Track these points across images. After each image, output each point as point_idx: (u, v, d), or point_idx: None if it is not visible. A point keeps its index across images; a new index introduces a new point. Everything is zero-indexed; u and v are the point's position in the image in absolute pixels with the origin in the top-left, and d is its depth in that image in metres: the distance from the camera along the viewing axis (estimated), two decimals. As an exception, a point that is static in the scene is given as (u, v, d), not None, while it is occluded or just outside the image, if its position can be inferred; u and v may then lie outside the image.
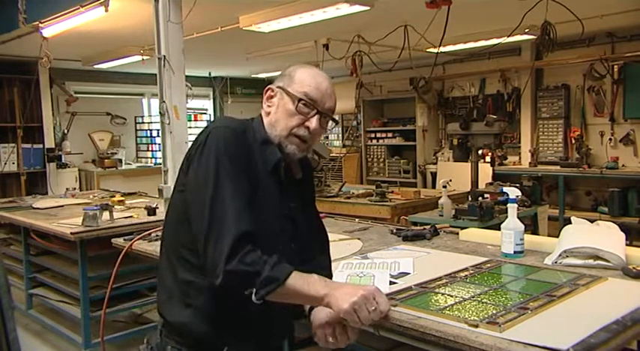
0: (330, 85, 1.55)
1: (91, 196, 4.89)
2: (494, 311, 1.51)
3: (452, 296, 1.67)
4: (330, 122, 1.57)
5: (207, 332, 1.45)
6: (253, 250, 1.33)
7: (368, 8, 4.07)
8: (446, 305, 1.58)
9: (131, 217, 3.66)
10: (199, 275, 1.41)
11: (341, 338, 1.47)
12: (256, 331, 1.51)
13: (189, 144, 3.04)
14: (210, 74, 9.07)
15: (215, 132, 1.42)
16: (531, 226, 4.03)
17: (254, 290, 1.30)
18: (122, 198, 4.49)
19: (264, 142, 1.50)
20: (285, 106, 1.50)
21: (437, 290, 1.74)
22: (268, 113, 1.54)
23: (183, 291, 1.45)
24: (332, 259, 2.19)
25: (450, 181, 3.84)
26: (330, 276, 1.66)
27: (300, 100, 1.48)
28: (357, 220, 3.31)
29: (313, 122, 1.49)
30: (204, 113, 9.47)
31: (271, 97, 1.55)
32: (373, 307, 1.32)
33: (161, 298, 1.55)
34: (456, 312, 1.51)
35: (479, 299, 1.63)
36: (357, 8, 4.07)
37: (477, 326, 1.40)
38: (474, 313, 1.50)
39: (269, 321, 1.52)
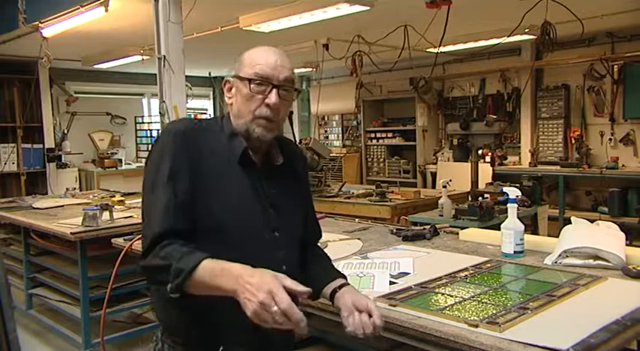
0: (281, 56, 1.50)
1: (91, 196, 4.88)
2: (494, 311, 1.51)
3: (452, 296, 1.67)
4: (294, 93, 1.52)
5: (197, 332, 1.44)
6: (172, 243, 1.31)
7: (368, 8, 4.07)
8: (446, 305, 1.58)
9: (131, 217, 3.65)
10: None
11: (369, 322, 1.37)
12: (252, 333, 1.40)
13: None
14: (210, 74, 9.06)
15: (162, 136, 1.47)
16: (531, 226, 4.03)
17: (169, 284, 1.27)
18: (122, 198, 4.49)
19: (231, 135, 1.48)
20: (242, 92, 1.47)
21: (437, 290, 1.74)
22: (231, 105, 1.52)
23: None
24: (332, 258, 2.20)
25: (450, 181, 3.83)
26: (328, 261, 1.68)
27: (251, 80, 1.44)
28: (357, 220, 3.31)
29: (272, 97, 1.44)
30: (204, 113, 9.47)
31: (229, 88, 1.52)
32: (274, 309, 1.15)
33: (153, 298, 1.55)
34: (456, 312, 1.52)
35: (479, 299, 1.63)
36: (357, 8, 4.07)
37: (477, 326, 1.40)
38: (474, 313, 1.50)
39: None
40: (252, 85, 1.44)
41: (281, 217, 1.51)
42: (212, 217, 1.39)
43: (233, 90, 1.50)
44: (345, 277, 1.58)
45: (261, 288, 1.16)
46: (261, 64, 1.46)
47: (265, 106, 1.45)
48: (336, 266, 2.07)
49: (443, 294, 1.70)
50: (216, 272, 1.24)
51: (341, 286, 1.49)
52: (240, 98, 1.47)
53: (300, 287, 1.20)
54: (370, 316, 1.36)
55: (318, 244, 1.79)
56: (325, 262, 1.68)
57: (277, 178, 1.53)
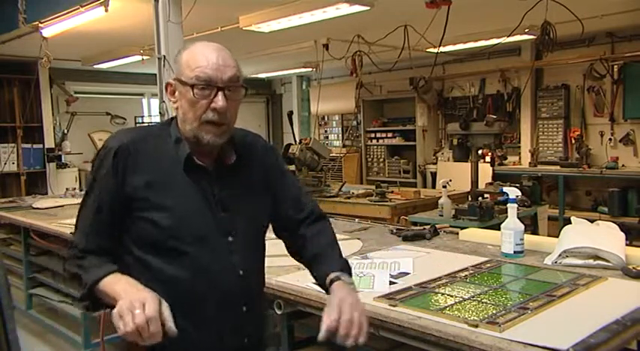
0: (222, 54, 1.40)
1: (91, 196, 4.88)
2: (494, 311, 1.51)
3: (452, 296, 1.67)
4: (242, 90, 1.43)
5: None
6: (82, 257, 1.38)
7: (368, 8, 4.06)
8: (446, 305, 1.58)
9: (131, 217, 3.65)
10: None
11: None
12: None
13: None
14: (210, 74, 9.05)
15: (102, 151, 1.43)
16: (531, 226, 4.03)
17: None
18: (122, 198, 4.49)
19: (176, 140, 1.43)
20: (186, 97, 1.37)
21: (437, 290, 1.74)
22: (177, 109, 1.44)
23: None
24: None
25: (450, 181, 3.83)
26: (334, 247, 1.57)
27: (193, 86, 1.35)
28: (357, 220, 3.31)
29: (219, 101, 1.35)
30: (204, 113, 9.47)
31: (172, 92, 1.43)
32: (137, 311, 1.17)
33: None
34: (456, 312, 1.52)
35: (479, 299, 1.63)
36: (357, 8, 4.07)
37: (476, 326, 1.40)
38: (474, 313, 1.50)
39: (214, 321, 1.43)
40: (195, 91, 1.35)
41: (234, 219, 1.44)
42: (158, 228, 1.37)
43: (177, 94, 1.42)
44: (342, 262, 1.52)
45: (138, 298, 1.21)
46: (201, 66, 1.36)
47: (212, 111, 1.37)
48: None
49: (443, 294, 1.70)
50: (112, 286, 1.31)
51: (333, 281, 1.43)
52: (184, 103, 1.39)
53: (170, 323, 1.22)
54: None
55: (323, 217, 1.65)
56: (322, 241, 1.57)
57: (231, 178, 1.47)
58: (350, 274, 1.49)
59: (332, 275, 1.44)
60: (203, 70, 1.35)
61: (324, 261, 1.52)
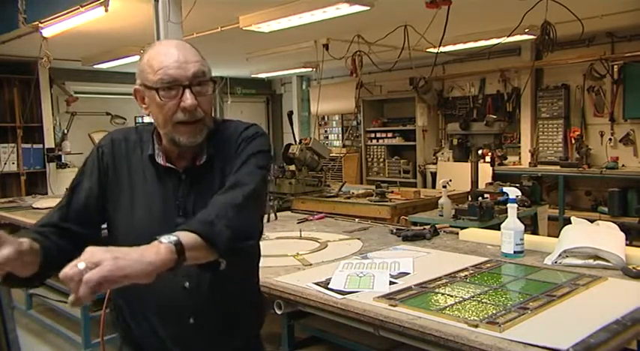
0: (183, 50, 1.34)
1: (91, 196, 4.88)
2: (494, 311, 1.51)
3: (452, 296, 1.67)
4: (211, 84, 1.37)
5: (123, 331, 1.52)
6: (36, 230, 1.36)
7: (368, 8, 4.06)
8: (446, 305, 1.58)
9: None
10: None
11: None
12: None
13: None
14: (210, 74, 9.06)
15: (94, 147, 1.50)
16: (531, 226, 4.03)
17: None
18: (122, 198, 4.49)
19: (143, 141, 1.45)
20: (154, 101, 1.33)
21: (437, 290, 1.74)
22: (149, 114, 1.40)
23: None
24: (332, 258, 2.19)
25: (450, 181, 3.83)
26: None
27: (158, 89, 1.30)
28: (357, 220, 3.31)
29: (187, 100, 1.30)
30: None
31: (142, 98, 1.39)
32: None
33: None
34: (456, 312, 1.52)
35: (479, 299, 1.63)
36: (357, 8, 4.07)
37: (476, 326, 1.40)
38: (474, 313, 1.50)
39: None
40: (161, 93, 1.30)
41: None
42: (114, 229, 1.43)
43: (146, 99, 1.37)
44: (196, 225, 1.19)
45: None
46: (163, 67, 1.30)
47: (182, 111, 1.32)
48: (336, 266, 2.08)
49: (443, 294, 1.70)
50: None
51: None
52: (154, 108, 1.35)
53: None
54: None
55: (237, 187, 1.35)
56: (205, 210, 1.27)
57: (200, 179, 1.41)
58: (198, 232, 1.16)
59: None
60: (165, 71, 1.30)
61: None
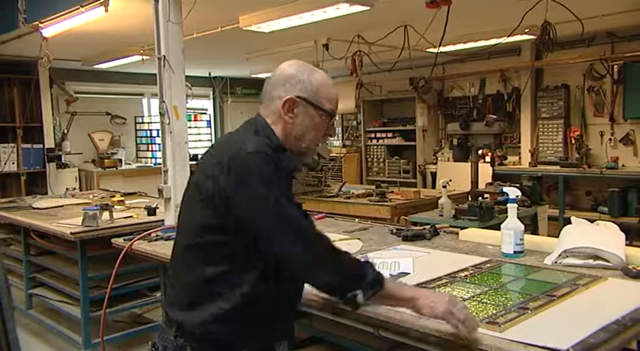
0: None
1: (91, 196, 4.88)
2: (494, 311, 1.51)
3: (452, 296, 1.67)
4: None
5: (230, 333, 1.46)
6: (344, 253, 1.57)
7: (368, 8, 4.06)
8: (446, 305, 1.58)
9: (131, 217, 3.66)
10: (232, 268, 1.44)
11: None
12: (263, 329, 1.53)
13: (189, 144, 3.00)
14: (210, 74, 9.06)
15: (259, 157, 1.49)
16: (531, 226, 4.03)
17: None
18: (122, 198, 4.49)
19: (276, 148, 1.50)
20: (314, 120, 1.53)
21: (437, 290, 1.74)
22: (289, 124, 1.53)
23: (209, 290, 1.45)
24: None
25: (450, 181, 3.83)
26: None
27: (332, 117, 1.56)
28: (357, 220, 3.31)
29: (334, 130, 1.64)
30: (204, 113, 9.46)
31: (292, 109, 1.53)
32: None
33: (178, 300, 1.53)
34: (456, 312, 1.51)
35: (479, 299, 1.63)
36: (357, 8, 4.07)
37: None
38: (474, 313, 1.49)
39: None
40: (328, 120, 1.55)
41: None
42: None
43: (297, 111, 1.53)
44: None
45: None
46: (334, 100, 1.56)
47: (325, 136, 1.60)
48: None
49: (443, 294, 1.70)
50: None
51: None
52: (308, 124, 1.53)
53: None
54: None
55: None
56: None
57: None
58: None
59: None
60: (335, 103, 1.57)
61: None
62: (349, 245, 2.51)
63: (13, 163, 7.15)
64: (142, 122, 8.59)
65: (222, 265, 1.44)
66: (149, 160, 8.34)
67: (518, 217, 2.20)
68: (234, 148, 1.46)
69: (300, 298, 1.61)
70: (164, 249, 2.57)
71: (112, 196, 4.68)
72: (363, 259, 1.56)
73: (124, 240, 2.81)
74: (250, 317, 1.46)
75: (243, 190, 1.40)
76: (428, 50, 5.60)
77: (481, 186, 4.29)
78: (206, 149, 1.66)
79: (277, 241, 1.41)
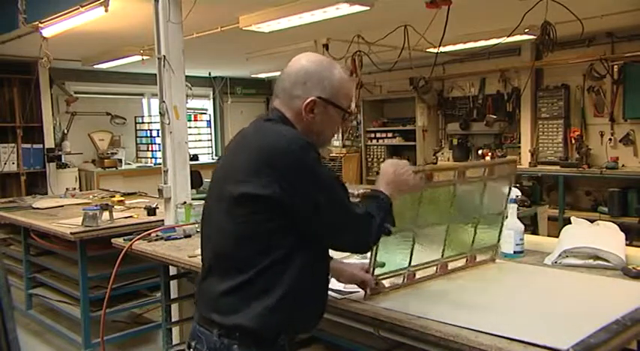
0: None
1: (91, 196, 4.88)
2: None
3: (452, 296, 1.67)
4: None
5: (278, 324, 1.45)
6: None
7: (368, 8, 4.06)
8: (446, 305, 1.58)
9: (131, 217, 3.66)
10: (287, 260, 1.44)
11: None
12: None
13: (189, 144, 2.98)
14: (210, 74, 9.06)
15: (304, 152, 1.51)
16: (531, 226, 4.03)
17: None
18: (122, 198, 4.49)
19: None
20: (332, 119, 1.57)
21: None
22: (310, 122, 1.54)
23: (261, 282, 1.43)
24: (332, 258, 2.20)
25: (450, 181, 3.82)
26: None
27: (350, 114, 1.60)
28: (357, 220, 3.30)
29: (347, 124, 1.64)
30: (204, 113, 9.46)
31: (312, 109, 1.54)
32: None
33: (224, 299, 1.47)
34: (456, 312, 1.51)
35: (479, 299, 1.63)
36: (357, 8, 4.07)
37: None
38: (474, 313, 1.49)
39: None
40: (345, 116, 1.59)
41: None
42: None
43: (317, 111, 1.54)
44: None
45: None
46: (350, 97, 1.61)
47: (336, 133, 1.66)
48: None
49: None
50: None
51: None
52: (327, 122, 1.57)
53: None
54: None
55: None
56: None
57: None
58: None
59: None
60: (351, 101, 1.61)
61: None
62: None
63: (13, 163, 7.15)
64: (142, 122, 8.59)
65: (272, 257, 1.43)
66: (149, 160, 8.34)
67: (519, 217, 2.20)
68: (273, 142, 1.45)
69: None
70: (164, 249, 2.57)
71: (112, 196, 4.68)
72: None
73: (124, 240, 2.81)
74: (296, 306, 1.45)
75: (299, 182, 1.43)
76: (428, 50, 5.59)
77: (481, 186, 4.28)
78: (222, 153, 1.68)
79: (340, 232, 1.52)
